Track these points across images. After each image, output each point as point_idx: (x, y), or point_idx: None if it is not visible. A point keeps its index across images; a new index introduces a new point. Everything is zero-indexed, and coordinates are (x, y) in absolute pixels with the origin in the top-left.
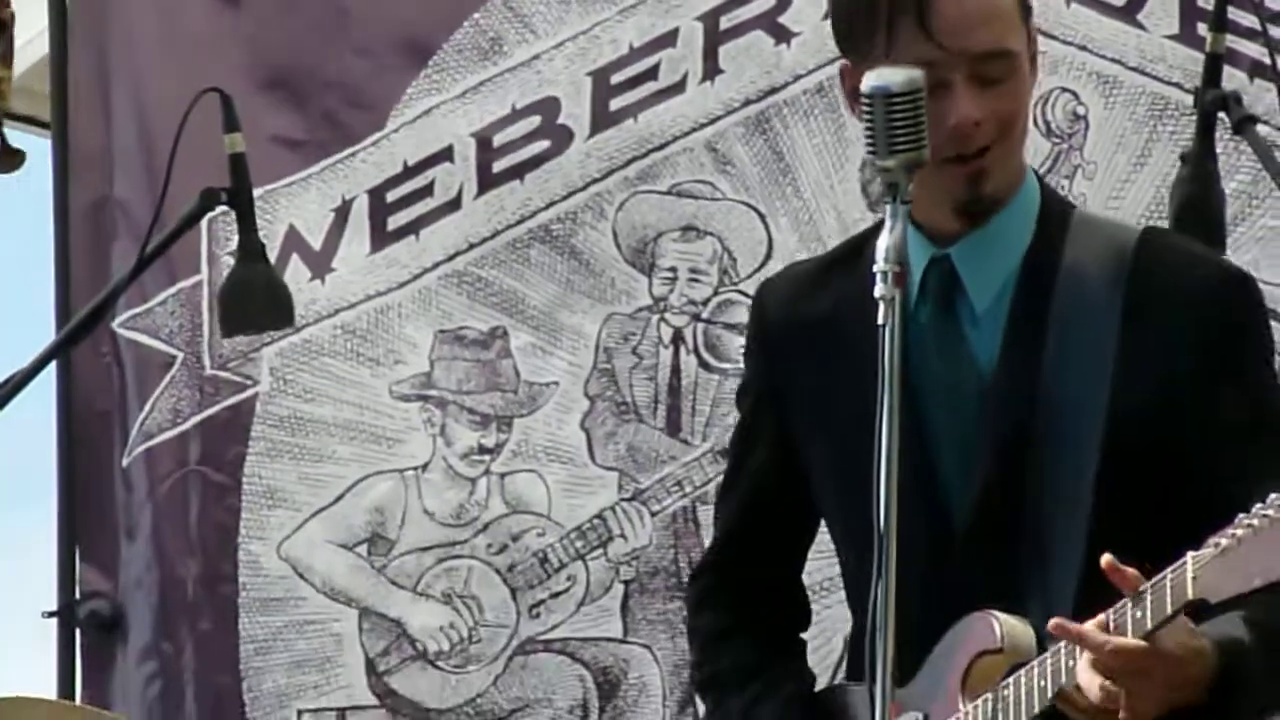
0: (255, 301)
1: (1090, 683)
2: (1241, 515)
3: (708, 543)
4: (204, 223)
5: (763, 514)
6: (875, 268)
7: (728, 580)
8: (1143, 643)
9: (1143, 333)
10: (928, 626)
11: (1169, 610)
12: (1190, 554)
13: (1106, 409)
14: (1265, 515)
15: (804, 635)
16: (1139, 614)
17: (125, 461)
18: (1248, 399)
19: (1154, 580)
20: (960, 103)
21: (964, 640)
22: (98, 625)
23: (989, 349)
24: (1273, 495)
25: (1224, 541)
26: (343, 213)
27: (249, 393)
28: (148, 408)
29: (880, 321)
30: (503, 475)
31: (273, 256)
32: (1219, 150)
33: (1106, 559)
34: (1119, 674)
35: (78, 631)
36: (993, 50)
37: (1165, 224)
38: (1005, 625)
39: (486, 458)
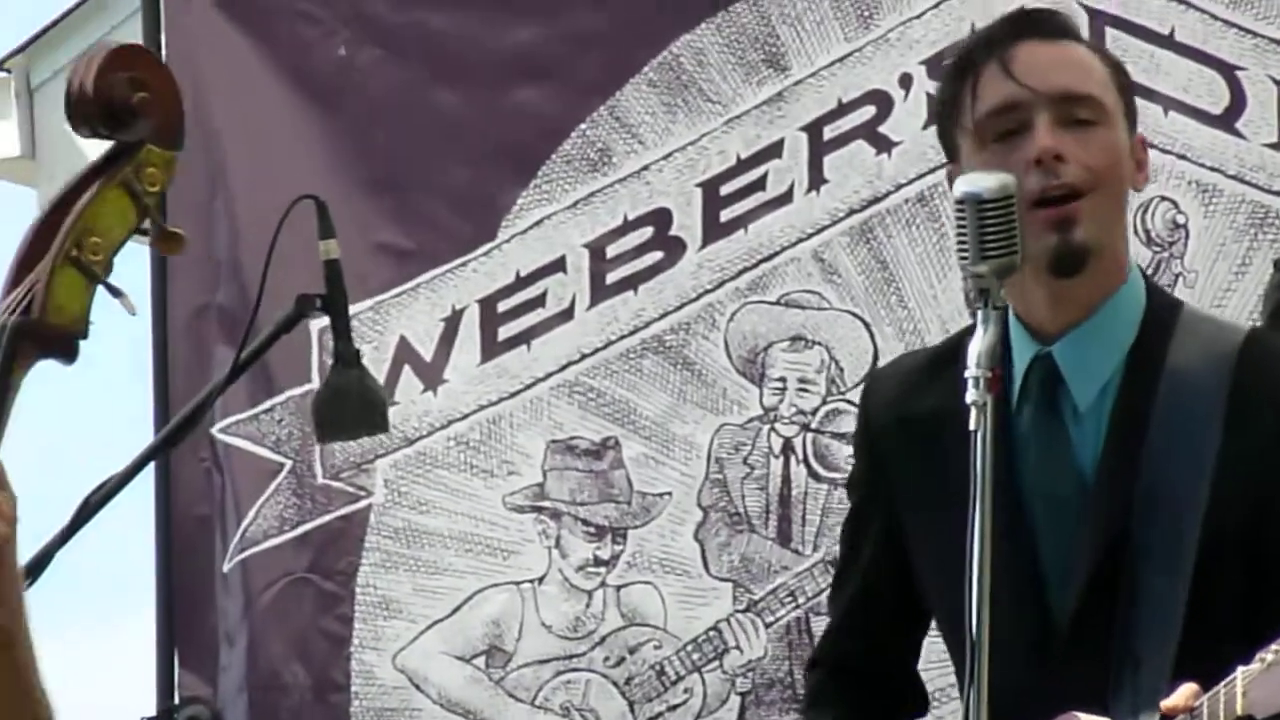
0: (349, 408)
1: None
2: None
3: None
4: (314, 332)
5: (874, 607)
6: (967, 373)
7: (841, 674)
8: None
9: (1243, 439)
10: (1030, 713)
11: None
12: (1241, 668)
13: (1204, 515)
14: None
15: None
16: None
17: (226, 567)
18: None
19: (1209, 694)
20: (1040, 134)
21: None
22: None
23: (1091, 448)
24: None
25: (1270, 657)
26: (453, 323)
27: (362, 504)
28: (251, 514)
29: (972, 427)
30: (619, 587)
31: (385, 368)
32: None
33: (1164, 705)
34: None
35: None
36: (1073, 92)
37: None
38: None
39: (602, 570)
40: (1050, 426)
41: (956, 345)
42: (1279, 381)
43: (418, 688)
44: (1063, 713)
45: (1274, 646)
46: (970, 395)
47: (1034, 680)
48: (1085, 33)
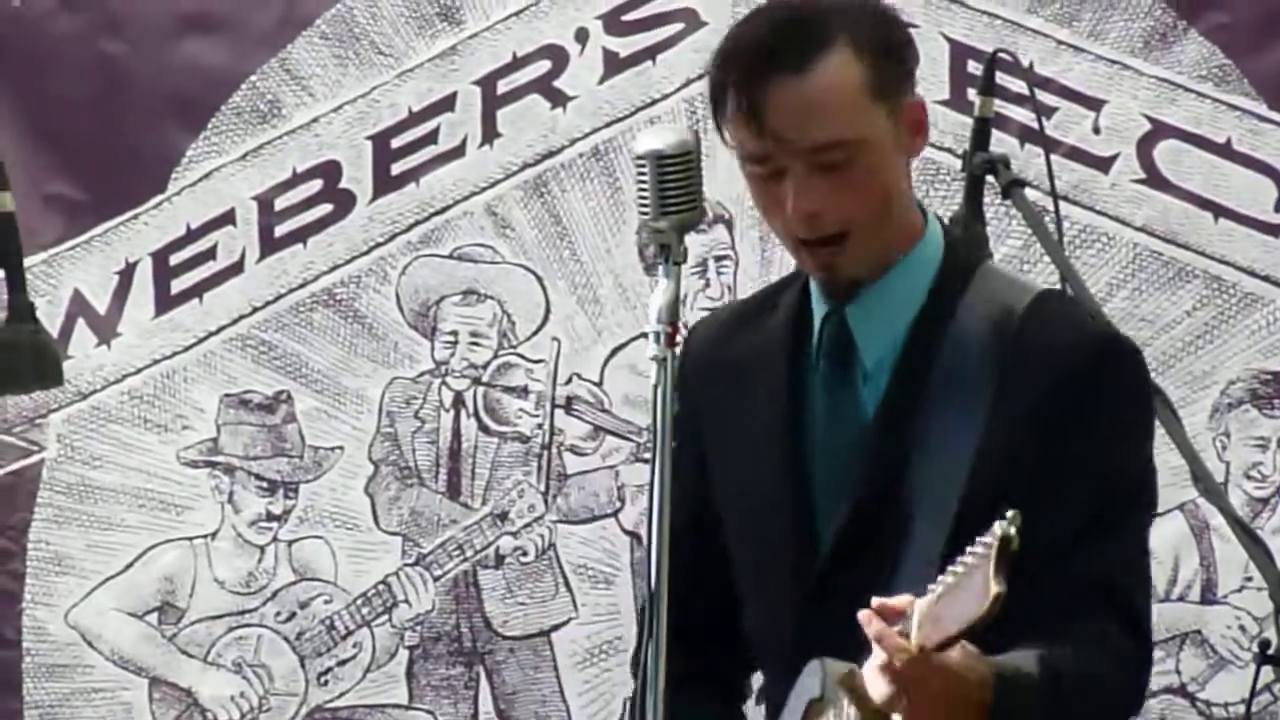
0: (22, 362)
1: (876, 682)
2: (958, 559)
3: (488, 607)
4: None
5: (687, 543)
6: (647, 328)
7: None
8: (919, 651)
9: (1014, 388)
10: (799, 651)
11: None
12: (917, 601)
13: (972, 457)
14: (963, 562)
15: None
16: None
17: None
18: (1091, 461)
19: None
20: (793, 193)
21: (800, 691)
22: None
23: (875, 402)
24: (979, 539)
25: (938, 588)
26: (126, 276)
27: (35, 459)
28: None
29: (652, 382)
30: (290, 542)
31: (58, 322)
32: (990, 215)
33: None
34: (900, 678)
35: None
36: (824, 143)
37: None
38: (829, 673)
39: (274, 525)
40: (841, 382)
41: (775, 292)
42: (1053, 339)
43: (90, 644)
44: (833, 631)
45: (941, 576)
46: (650, 350)
47: (800, 601)
48: None
